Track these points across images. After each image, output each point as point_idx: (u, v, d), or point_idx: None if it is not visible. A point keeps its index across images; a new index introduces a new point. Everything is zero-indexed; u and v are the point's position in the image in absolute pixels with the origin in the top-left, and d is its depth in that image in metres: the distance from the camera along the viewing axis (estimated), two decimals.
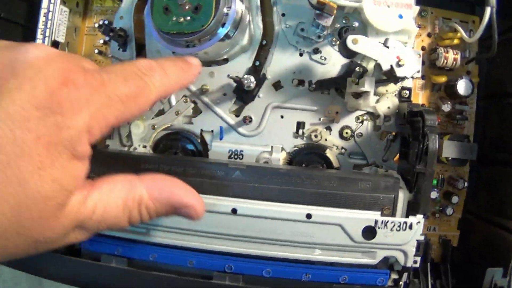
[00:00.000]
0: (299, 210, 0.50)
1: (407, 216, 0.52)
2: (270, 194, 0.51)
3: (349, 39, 0.52)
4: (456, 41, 0.65)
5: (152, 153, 0.60)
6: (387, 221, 0.51)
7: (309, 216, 0.50)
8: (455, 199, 0.64)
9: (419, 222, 0.51)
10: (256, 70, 0.60)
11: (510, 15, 0.61)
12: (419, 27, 0.63)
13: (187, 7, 0.50)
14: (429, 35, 0.66)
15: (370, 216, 0.51)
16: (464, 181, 0.65)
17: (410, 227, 0.51)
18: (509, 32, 0.62)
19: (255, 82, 0.56)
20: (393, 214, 0.52)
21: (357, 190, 0.52)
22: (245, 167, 0.52)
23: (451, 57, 0.63)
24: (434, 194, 0.64)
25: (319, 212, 0.51)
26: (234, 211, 0.50)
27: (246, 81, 0.55)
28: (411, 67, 0.53)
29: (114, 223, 0.40)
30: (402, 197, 0.52)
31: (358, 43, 0.52)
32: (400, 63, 0.53)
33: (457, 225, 0.67)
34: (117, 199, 0.40)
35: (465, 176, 0.67)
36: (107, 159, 0.53)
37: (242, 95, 0.59)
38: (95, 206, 0.38)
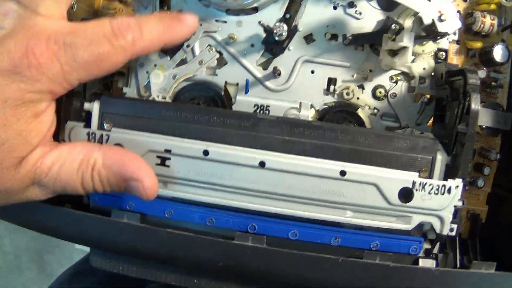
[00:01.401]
0: (332, 166, 0.45)
1: (445, 180, 0.46)
2: (301, 148, 0.45)
3: None
4: (493, 6, 0.58)
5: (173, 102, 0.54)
6: (425, 183, 0.45)
7: (343, 173, 0.45)
8: (487, 170, 0.58)
9: (458, 186, 0.46)
10: (287, 22, 0.53)
11: None
12: None
13: None
14: None
15: (408, 177, 0.45)
16: (497, 152, 0.59)
17: (449, 191, 0.46)
18: None
19: (287, 31, 0.49)
20: (431, 176, 0.46)
21: (394, 149, 0.46)
22: (275, 118, 0.46)
23: (488, 21, 0.57)
24: None
25: (354, 169, 0.45)
26: (262, 164, 0.45)
27: (277, 29, 0.49)
28: (453, 23, 0.48)
29: (68, 183, 0.41)
30: (440, 159, 0.47)
31: None
32: (442, 17, 0.47)
33: (485, 200, 0.61)
34: (73, 160, 0.42)
35: (497, 147, 0.61)
36: (126, 107, 0.47)
37: (272, 46, 0.52)
38: (52, 164, 0.41)
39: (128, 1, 0.58)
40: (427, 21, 0.47)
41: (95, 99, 0.48)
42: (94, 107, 0.47)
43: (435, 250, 0.50)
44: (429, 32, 0.49)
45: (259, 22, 0.51)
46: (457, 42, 0.59)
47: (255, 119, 0.46)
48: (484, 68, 0.58)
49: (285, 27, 0.49)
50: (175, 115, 0.47)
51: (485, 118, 0.56)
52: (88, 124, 0.47)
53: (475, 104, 0.45)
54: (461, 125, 0.46)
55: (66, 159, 0.41)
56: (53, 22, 0.39)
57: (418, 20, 0.48)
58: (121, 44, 0.40)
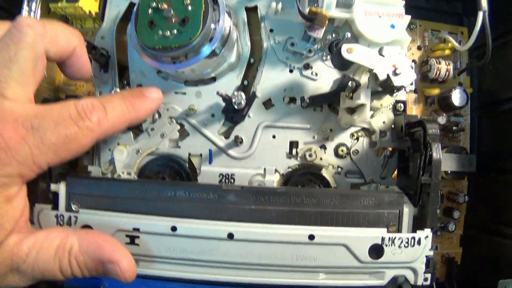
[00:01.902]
0: (300, 232, 0.47)
1: (413, 232, 0.49)
2: (268, 216, 0.48)
3: (344, 48, 0.50)
4: (447, 52, 0.64)
5: (138, 179, 0.57)
6: (394, 238, 0.48)
7: (311, 237, 0.47)
8: (457, 214, 0.62)
9: (427, 236, 0.49)
10: (245, 89, 0.57)
11: (501, 20, 0.60)
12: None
13: (173, 20, 0.49)
14: (419, 47, 0.66)
15: (376, 234, 0.48)
16: (465, 195, 0.63)
17: (419, 242, 0.49)
18: (500, 39, 0.62)
19: (245, 99, 0.53)
20: (399, 230, 0.49)
21: (360, 207, 0.49)
22: (240, 189, 0.49)
23: (443, 68, 0.62)
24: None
25: (322, 232, 0.47)
26: (230, 236, 0.47)
27: (236, 98, 0.52)
28: (408, 76, 0.51)
29: (46, 269, 0.42)
30: (407, 211, 0.50)
31: (353, 52, 0.50)
32: (397, 71, 0.51)
33: (459, 242, 0.65)
34: (49, 246, 0.43)
35: (465, 190, 0.65)
36: (92, 187, 0.50)
37: (232, 115, 0.56)
38: (29, 250, 0.42)
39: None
40: (382, 76, 0.51)
41: (61, 180, 0.50)
42: (61, 189, 0.49)
43: None
44: (385, 87, 0.52)
45: (217, 93, 0.54)
46: (415, 91, 0.63)
47: (220, 191, 0.48)
48: (444, 114, 0.62)
49: (243, 95, 0.52)
50: (141, 193, 0.49)
51: (449, 163, 0.60)
52: (55, 206, 0.49)
53: (437, 153, 0.48)
54: (425, 176, 0.49)
55: (43, 245, 0.42)
56: (20, 106, 0.41)
57: (374, 76, 0.51)
58: (87, 125, 0.42)
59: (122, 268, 0.43)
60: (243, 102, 0.53)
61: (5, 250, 0.41)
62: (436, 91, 0.63)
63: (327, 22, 0.52)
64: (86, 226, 0.48)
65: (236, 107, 0.53)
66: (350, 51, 0.50)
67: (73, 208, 0.49)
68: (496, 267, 0.59)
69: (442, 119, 0.62)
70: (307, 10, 0.52)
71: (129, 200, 0.49)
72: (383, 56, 0.51)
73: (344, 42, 0.51)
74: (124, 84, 0.58)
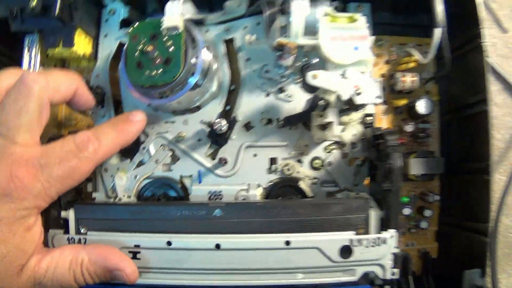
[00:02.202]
0: (278, 239, 0.57)
1: (380, 232, 0.59)
2: (250, 227, 0.58)
3: (309, 75, 0.60)
4: (412, 64, 0.73)
5: (137, 202, 0.68)
6: (362, 239, 0.58)
7: (288, 243, 0.57)
8: (427, 212, 0.72)
9: (392, 236, 0.58)
10: (227, 114, 0.68)
11: (459, 32, 0.69)
12: (376, 56, 0.72)
13: (158, 61, 0.59)
14: (387, 62, 0.75)
15: (345, 236, 0.58)
16: (435, 194, 0.72)
17: (384, 241, 0.58)
18: (460, 49, 0.71)
19: (226, 125, 0.64)
20: (367, 232, 0.59)
21: (330, 214, 0.59)
22: (224, 205, 0.59)
23: (408, 80, 0.71)
24: (407, 211, 0.72)
25: (297, 238, 0.58)
26: (218, 246, 0.57)
27: (218, 125, 0.63)
28: (370, 94, 0.61)
29: (63, 281, 0.54)
30: (374, 215, 0.59)
31: (318, 77, 0.60)
32: (359, 91, 0.60)
33: (434, 238, 0.75)
34: (64, 261, 0.54)
35: (436, 190, 0.74)
36: (97, 212, 0.61)
37: (216, 138, 0.66)
38: (47, 267, 0.53)
39: (86, 111, 0.73)
40: (345, 97, 0.61)
41: (70, 207, 0.61)
42: (70, 215, 0.60)
43: None
44: (350, 105, 0.62)
45: (201, 121, 0.65)
46: (384, 102, 0.73)
47: (207, 208, 0.59)
48: (412, 122, 0.72)
49: (224, 121, 0.63)
50: (139, 214, 0.60)
51: (417, 167, 0.70)
52: (66, 230, 0.60)
53: (396, 162, 0.58)
54: (386, 183, 0.59)
55: (58, 262, 0.53)
56: (29, 149, 0.52)
57: (338, 97, 0.61)
58: (86, 156, 0.54)
59: (128, 273, 0.55)
60: (224, 128, 0.63)
61: (28, 269, 0.52)
62: (403, 102, 0.72)
63: (295, 50, 0.62)
64: None
65: (218, 132, 0.64)
66: (315, 77, 0.60)
67: (82, 231, 0.60)
68: (467, 260, 0.67)
69: (409, 127, 0.72)
70: (277, 40, 0.62)
71: (129, 221, 0.60)
72: (346, 78, 0.61)
73: (309, 69, 0.61)
74: None
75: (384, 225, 0.59)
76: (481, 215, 0.66)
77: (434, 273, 0.74)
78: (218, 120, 0.64)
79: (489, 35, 0.82)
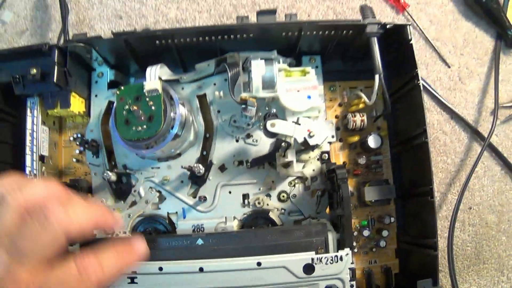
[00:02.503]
0: (250, 261, 0.73)
1: (337, 250, 0.74)
2: (227, 252, 0.74)
3: (268, 124, 0.77)
4: (361, 105, 0.89)
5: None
6: (321, 257, 0.73)
7: (259, 263, 0.72)
8: (384, 232, 0.87)
9: (347, 254, 0.73)
10: (204, 158, 0.86)
11: (398, 74, 0.86)
12: (329, 100, 0.90)
13: (142, 118, 0.75)
14: (340, 104, 0.91)
15: (307, 256, 0.73)
16: (390, 217, 0.88)
17: (341, 258, 0.73)
18: (400, 90, 0.87)
19: (203, 168, 0.81)
20: (327, 251, 0.74)
21: (294, 238, 0.74)
22: (205, 235, 0.75)
23: (358, 119, 0.87)
24: (366, 233, 0.87)
25: (267, 259, 0.73)
26: (201, 269, 0.72)
27: (196, 169, 0.80)
28: (321, 135, 0.77)
29: None
30: (331, 237, 0.75)
31: (275, 126, 0.76)
32: (311, 134, 0.77)
33: (395, 255, 0.90)
34: None
35: (392, 213, 0.90)
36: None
37: (196, 180, 0.84)
38: None
39: (83, 160, 0.90)
40: (300, 140, 0.77)
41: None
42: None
43: None
44: (306, 146, 0.78)
45: (182, 166, 0.83)
46: (340, 140, 0.90)
47: (191, 238, 0.75)
48: (363, 156, 0.88)
49: (201, 166, 0.80)
50: None
51: (372, 194, 0.86)
52: None
53: (345, 192, 0.74)
54: (339, 210, 0.75)
55: None
56: (32, 273, 0.51)
57: (295, 140, 0.78)
58: (87, 279, 0.53)
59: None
60: (202, 171, 0.81)
61: None
62: (355, 139, 0.88)
63: (256, 103, 0.79)
64: None
65: (198, 174, 0.81)
66: (273, 126, 0.76)
67: None
68: (422, 272, 0.80)
69: (362, 160, 0.88)
70: (240, 96, 0.79)
71: None
72: (299, 124, 0.77)
73: (268, 119, 0.77)
74: (112, 165, 0.87)
75: (340, 245, 0.74)
76: (430, 232, 0.79)
77: (397, 285, 0.89)
78: (196, 164, 0.81)
79: (435, 71, 1.00)
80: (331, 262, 0.73)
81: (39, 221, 0.53)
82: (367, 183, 0.88)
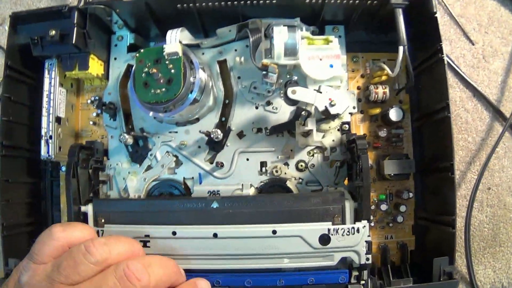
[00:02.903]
0: (266, 229, 0.71)
1: (354, 222, 0.72)
2: (242, 217, 0.72)
3: (289, 91, 0.75)
4: (384, 77, 0.87)
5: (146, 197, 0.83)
6: (338, 228, 0.71)
7: (274, 231, 0.71)
8: (402, 208, 0.85)
9: (364, 226, 0.71)
10: (223, 124, 0.84)
11: (426, 47, 0.83)
12: (352, 71, 0.88)
13: (161, 81, 0.73)
14: (362, 76, 0.89)
15: (323, 226, 0.71)
16: (409, 192, 0.85)
17: (358, 231, 0.71)
18: (424, 63, 0.84)
19: (222, 134, 0.79)
20: (343, 221, 0.72)
21: (310, 205, 0.72)
22: (220, 198, 0.74)
23: (380, 91, 0.85)
24: (384, 207, 0.85)
25: (282, 228, 0.71)
26: (215, 235, 0.71)
27: (214, 134, 0.78)
28: (343, 105, 0.75)
29: None
30: (349, 206, 0.72)
31: (296, 93, 0.75)
32: (332, 103, 0.75)
33: (411, 231, 0.88)
34: None
35: (411, 188, 0.88)
36: (113, 206, 0.76)
37: (213, 145, 0.82)
38: None
39: (100, 123, 0.89)
40: (321, 108, 0.75)
41: (88, 203, 0.75)
42: (89, 209, 0.74)
43: (365, 276, 0.74)
44: (326, 115, 0.76)
45: (200, 131, 0.80)
46: (361, 112, 0.88)
47: (206, 201, 0.73)
48: (384, 129, 0.86)
49: (219, 131, 0.78)
50: (149, 207, 0.74)
51: (391, 167, 0.84)
52: (86, 223, 0.74)
53: (365, 163, 0.72)
54: (358, 181, 0.72)
55: None
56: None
57: (316, 108, 0.76)
58: None
59: None
60: (220, 137, 0.79)
61: None
62: (377, 111, 0.86)
63: (277, 70, 0.77)
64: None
65: (216, 140, 0.79)
66: (294, 93, 0.74)
67: (99, 223, 0.73)
68: (439, 250, 0.78)
69: (382, 133, 0.85)
70: (261, 62, 0.77)
71: (140, 213, 0.73)
72: (321, 92, 0.75)
73: (289, 85, 0.75)
74: (129, 128, 0.85)
75: (358, 217, 0.72)
76: (449, 210, 0.77)
77: (412, 262, 0.87)
78: (215, 130, 0.79)
79: (458, 48, 0.97)
80: (348, 233, 0.71)
81: (80, 254, 0.57)
82: (387, 156, 0.86)
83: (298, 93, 0.75)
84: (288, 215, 0.72)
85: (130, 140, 0.82)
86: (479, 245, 0.96)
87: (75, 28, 0.78)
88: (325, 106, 0.75)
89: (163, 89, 0.73)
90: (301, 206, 0.73)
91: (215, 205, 0.73)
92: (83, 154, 0.77)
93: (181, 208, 0.73)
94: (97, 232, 0.72)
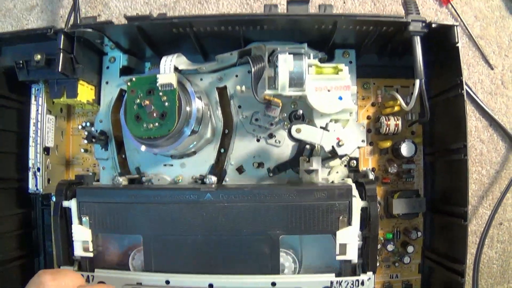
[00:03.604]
0: (265, 280, 0.65)
1: (362, 227, 0.66)
2: (238, 213, 0.66)
3: (293, 129, 0.67)
4: (397, 108, 0.79)
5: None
6: (342, 281, 0.65)
7: (274, 283, 0.65)
8: (410, 248, 0.78)
9: (369, 278, 0.65)
10: (221, 156, 0.76)
11: (440, 76, 0.75)
12: (362, 98, 0.80)
13: (154, 114, 0.66)
14: (373, 104, 0.81)
15: (326, 279, 0.65)
16: (417, 231, 0.79)
17: (362, 283, 0.65)
18: (441, 94, 0.76)
19: (215, 179, 0.72)
20: (349, 221, 0.65)
21: (314, 200, 0.65)
22: (214, 190, 0.67)
23: (392, 124, 0.77)
24: (391, 247, 0.78)
25: (282, 279, 0.65)
26: (211, 286, 0.65)
27: (208, 180, 0.72)
28: (351, 145, 0.68)
29: None
30: (356, 204, 0.65)
31: (301, 131, 0.67)
32: (340, 143, 0.68)
33: (417, 269, 0.81)
34: None
35: (419, 226, 0.81)
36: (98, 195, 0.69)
37: None
38: None
39: (92, 150, 0.81)
40: (327, 148, 0.68)
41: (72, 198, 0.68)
42: (72, 204, 0.67)
43: None
44: (333, 154, 0.69)
45: (193, 177, 0.75)
46: (370, 143, 0.80)
47: (199, 192, 0.66)
48: (395, 165, 0.78)
49: (213, 178, 0.72)
50: (137, 198, 0.67)
51: (400, 207, 0.77)
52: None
53: (374, 211, 0.65)
54: (365, 231, 0.66)
55: None
56: None
57: (322, 147, 0.69)
58: None
59: None
60: (214, 183, 0.72)
61: None
62: (387, 144, 0.79)
63: (281, 104, 0.70)
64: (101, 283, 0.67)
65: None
66: (298, 131, 0.67)
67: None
68: None
69: (392, 169, 0.78)
70: (263, 95, 0.70)
71: (127, 205, 0.67)
72: (328, 130, 0.68)
73: (293, 123, 0.68)
74: (123, 158, 0.78)
75: (362, 268, 0.66)
76: (459, 258, 0.70)
77: None
78: (209, 176, 0.73)
79: (476, 72, 0.89)
80: (351, 286, 0.65)
81: None
82: (396, 193, 0.79)
83: (303, 131, 0.68)
84: (289, 211, 0.66)
85: (124, 182, 0.75)
86: (487, 282, 0.90)
87: (61, 54, 0.70)
88: (332, 146, 0.68)
89: (156, 124, 0.66)
90: (303, 200, 0.66)
91: (208, 196, 0.66)
92: (72, 191, 0.70)
93: (171, 200, 0.67)
94: (87, 278, 0.67)
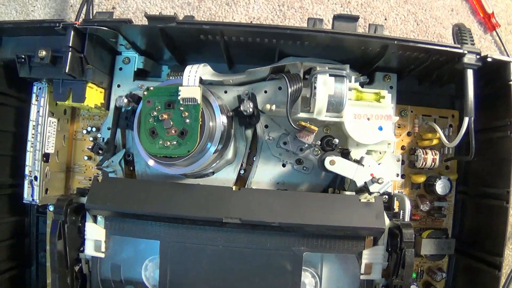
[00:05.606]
0: None
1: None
2: None
3: (327, 161, 0.57)
4: (435, 142, 0.68)
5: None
6: None
7: None
8: None
9: None
10: (241, 179, 0.65)
11: (485, 111, 0.64)
12: (398, 126, 0.69)
13: (173, 131, 0.54)
14: (409, 134, 0.70)
15: None
16: (442, 273, 0.69)
17: None
18: (484, 132, 0.65)
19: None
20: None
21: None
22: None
23: (430, 158, 0.66)
24: None
25: None
26: None
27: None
28: (385, 182, 0.58)
29: None
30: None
31: (335, 164, 0.57)
32: (374, 180, 0.58)
33: None
34: None
35: (444, 266, 0.71)
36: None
37: None
38: None
39: (96, 158, 0.68)
40: (359, 184, 0.58)
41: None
42: None
43: None
44: (365, 190, 0.59)
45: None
46: (402, 176, 0.68)
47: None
48: (427, 202, 0.68)
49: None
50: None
51: (428, 247, 0.66)
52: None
53: (409, 259, 0.54)
54: (397, 279, 0.55)
55: None
56: None
57: (354, 182, 0.58)
58: None
59: None
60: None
61: None
62: (421, 179, 0.68)
63: (316, 130, 0.59)
64: None
65: None
66: (332, 163, 0.58)
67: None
68: None
69: (424, 207, 0.68)
70: (299, 114, 0.59)
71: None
72: (363, 165, 0.58)
73: (327, 154, 0.58)
74: (130, 170, 0.66)
75: None
76: None
77: None
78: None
79: None
80: None
81: None
82: (424, 231, 0.69)
83: (337, 164, 0.58)
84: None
85: None
86: None
87: (70, 53, 0.57)
88: (365, 182, 0.59)
89: (174, 142, 0.54)
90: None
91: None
92: (72, 208, 0.58)
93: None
94: None
